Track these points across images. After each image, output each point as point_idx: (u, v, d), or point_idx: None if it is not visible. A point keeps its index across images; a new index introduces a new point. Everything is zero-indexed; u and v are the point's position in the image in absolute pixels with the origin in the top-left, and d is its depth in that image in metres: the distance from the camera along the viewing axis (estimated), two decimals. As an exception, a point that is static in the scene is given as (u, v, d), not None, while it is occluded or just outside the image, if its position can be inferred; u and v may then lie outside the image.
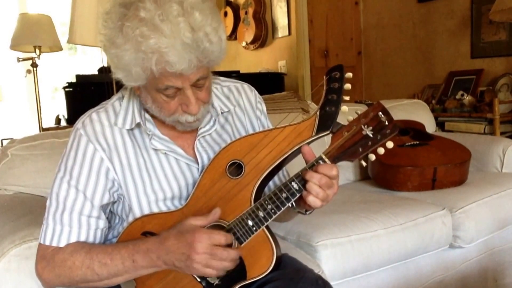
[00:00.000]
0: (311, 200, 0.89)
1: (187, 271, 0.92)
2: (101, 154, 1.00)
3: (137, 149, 1.03)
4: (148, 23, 0.85)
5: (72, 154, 1.01)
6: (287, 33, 4.27)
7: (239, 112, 1.14)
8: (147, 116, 1.04)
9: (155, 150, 1.03)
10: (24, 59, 3.18)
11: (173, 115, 0.97)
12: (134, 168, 1.02)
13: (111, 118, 1.03)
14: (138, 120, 1.02)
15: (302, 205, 0.96)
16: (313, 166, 0.90)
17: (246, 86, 1.18)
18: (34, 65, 3.06)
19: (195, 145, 1.05)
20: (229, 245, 0.92)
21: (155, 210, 1.02)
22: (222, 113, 1.10)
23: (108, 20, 0.90)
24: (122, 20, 0.88)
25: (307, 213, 1.02)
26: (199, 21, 0.86)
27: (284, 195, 0.91)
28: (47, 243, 0.98)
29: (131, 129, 1.03)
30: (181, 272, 0.94)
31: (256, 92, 1.19)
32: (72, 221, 0.99)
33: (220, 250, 0.88)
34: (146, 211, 1.02)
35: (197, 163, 1.05)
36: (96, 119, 1.03)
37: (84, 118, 1.04)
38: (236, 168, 0.96)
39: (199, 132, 1.06)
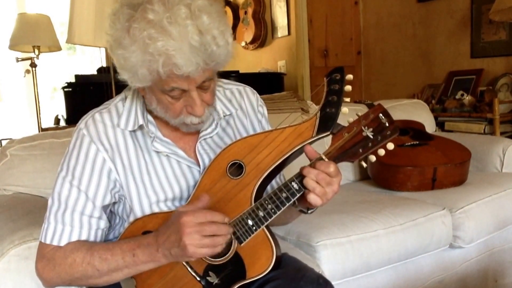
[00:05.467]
0: (312, 198, 0.89)
1: (185, 258, 0.91)
2: (104, 155, 1.00)
3: (139, 150, 1.03)
4: (156, 25, 0.85)
5: (74, 153, 1.01)
6: (286, 33, 4.27)
7: (241, 115, 1.14)
8: (149, 118, 1.04)
9: (157, 152, 1.03)
10: (23, 59, 3.17)
11: (179, 117, 0.97)
12: (135, 169, 1.02)
13: (114, 119, 1.03)
14: (141, 122, 1.02)
15: (303, 204, 0.96)
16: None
17: (248, 89, 1.18)
18: (33, 65, 3.06)
19: (197, 147, 1.06)
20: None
21: (156, 210, 1.03)
22: (224, 116, 1.10)
23: (115, 21, 0.90)
24: (129, 21, 0.88)
25: (309, 212, 1.03)
26: (207, 24, 0.86)
27: (284, 195, 0.91)
28: (48, 242, 0.98)
29: (134, 131, 1.03)
30: (181, 261, 0.94)
31: (258, 95, 1.19)
32: (74, 221, 0.99)
33: (207, 225, 0.87)
34: (148, 212, 1.02)
35: (199, 165, 1.05)
36: (99, 120, 1.03)
37: (87, 118, 1.04)
38: (237, 169, 0.96)
39: (201, 134, 1.06)
